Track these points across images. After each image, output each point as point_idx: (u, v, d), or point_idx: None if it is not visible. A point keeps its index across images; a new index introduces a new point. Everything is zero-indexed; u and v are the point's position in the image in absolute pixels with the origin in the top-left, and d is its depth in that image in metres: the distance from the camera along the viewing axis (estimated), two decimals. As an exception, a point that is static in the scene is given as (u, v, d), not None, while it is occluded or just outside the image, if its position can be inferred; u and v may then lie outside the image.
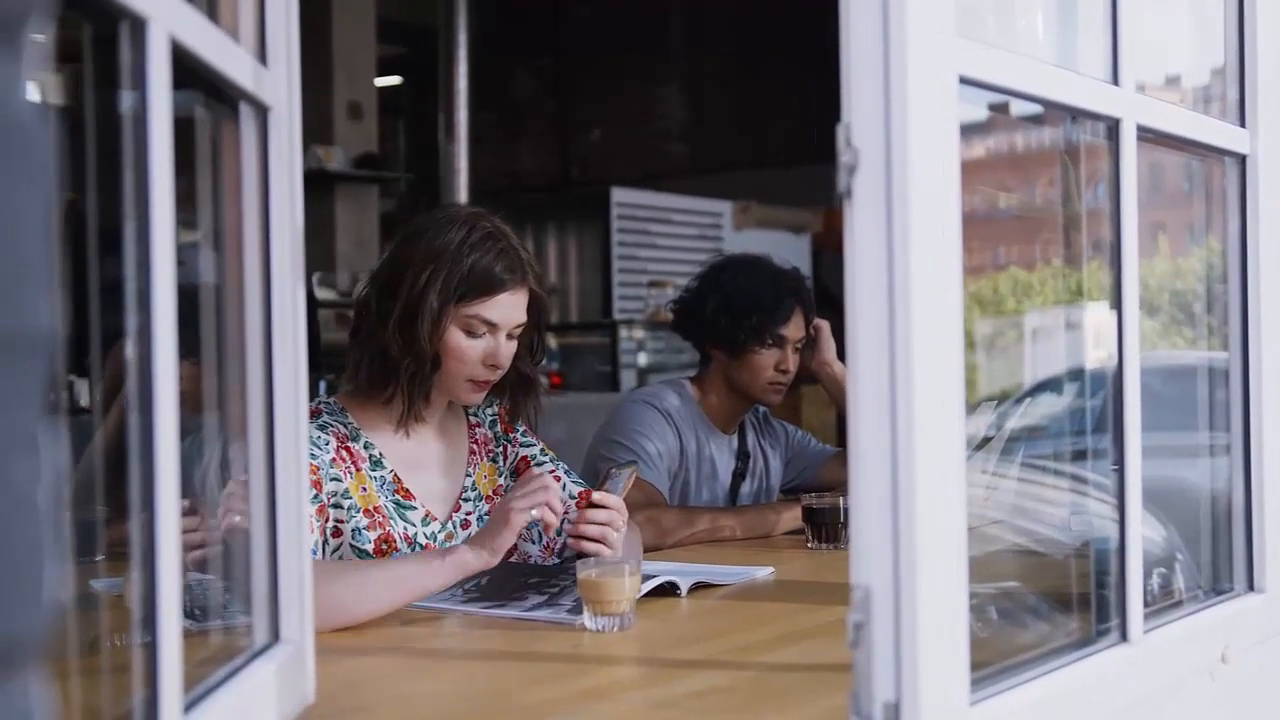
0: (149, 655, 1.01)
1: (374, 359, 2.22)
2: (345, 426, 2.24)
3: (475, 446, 2.40)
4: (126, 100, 1.02)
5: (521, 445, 2.45)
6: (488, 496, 2.38)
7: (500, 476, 2.41)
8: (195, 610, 1.36)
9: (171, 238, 1.03)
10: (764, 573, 2.37)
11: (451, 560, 1.99)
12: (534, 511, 2.00)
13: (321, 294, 6.82)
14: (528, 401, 2.39)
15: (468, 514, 2.34)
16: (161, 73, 1.02)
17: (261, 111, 1.35)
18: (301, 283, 1.41)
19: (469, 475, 2.37)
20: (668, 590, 2.12)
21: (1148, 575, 1.62)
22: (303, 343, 1.41)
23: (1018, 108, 1.55)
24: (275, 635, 1.37)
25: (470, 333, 2.21)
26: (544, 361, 2.45)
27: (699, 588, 2.19)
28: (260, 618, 1.36)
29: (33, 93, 0.54)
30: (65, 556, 0.58)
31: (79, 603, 1.26)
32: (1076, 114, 1.56)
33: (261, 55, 1.36)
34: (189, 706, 1.08)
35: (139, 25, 1.00)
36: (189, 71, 1.12)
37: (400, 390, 2.23)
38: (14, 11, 0.51)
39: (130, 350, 1.01)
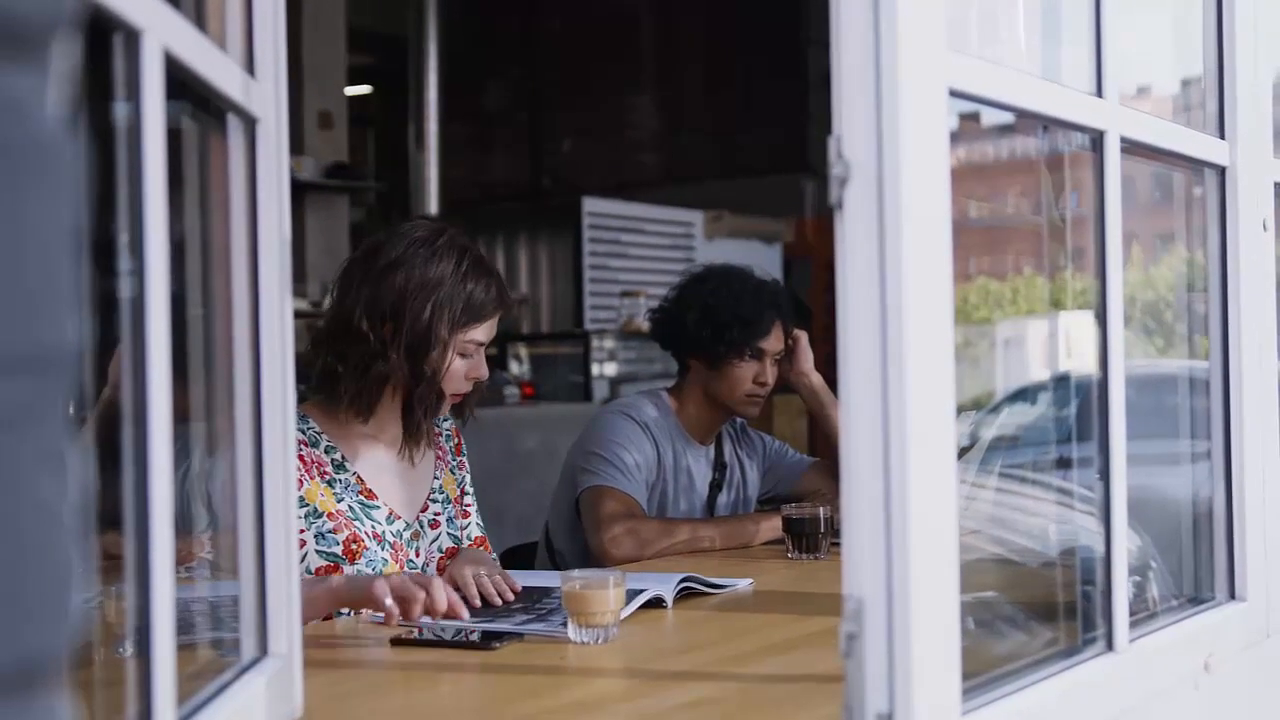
0: (142, 669, 1.00)
1: (375, 386, 2.28)
2: (304, 432, 2.26)
3: (440, 452, 2.48)
4: (119, 111, 1.01)
5: (466, 471, 2.54)
6: (454, 500, 2.47)
7: (457, 487, 2.50)
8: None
9: (165, 249, 1.03)
10: (744, 584, 2.38)
11: (325, 589, 2.05)
12: (389, 601, 1.92)
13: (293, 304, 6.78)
14: (474, 395, 2.44)
15: (436, 514, 2.42)
16: (155, 84, 1.02)
17: (250, 123, 1.35)
18: (289, 295, 1.40)
19: (436, 478, 2.45)
20: (652, 602, 2.12)
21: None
22: (290, 356, 1.41)
23: (988, 117, 1.56)
24: (263, 649, 1.36)
25: (464, 355, 2.32)
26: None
27: (686, 595, 2.20)
28: (248, 632, 1.35)
29: (57, 108, 0.53)
30: (88, 573, 0.58)
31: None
32: (1062, 126, 1.57)
33: (249, 67, 1.35)
34: (182, 722, 1.08)
35: (133, 37, 1.00)
36: (178, 82, 1.12)
37: (413, 416, 2.30)
38: (39, 28, 0.51)
39: (124, 362, 1.00)
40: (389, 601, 1.92)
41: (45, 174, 0.52)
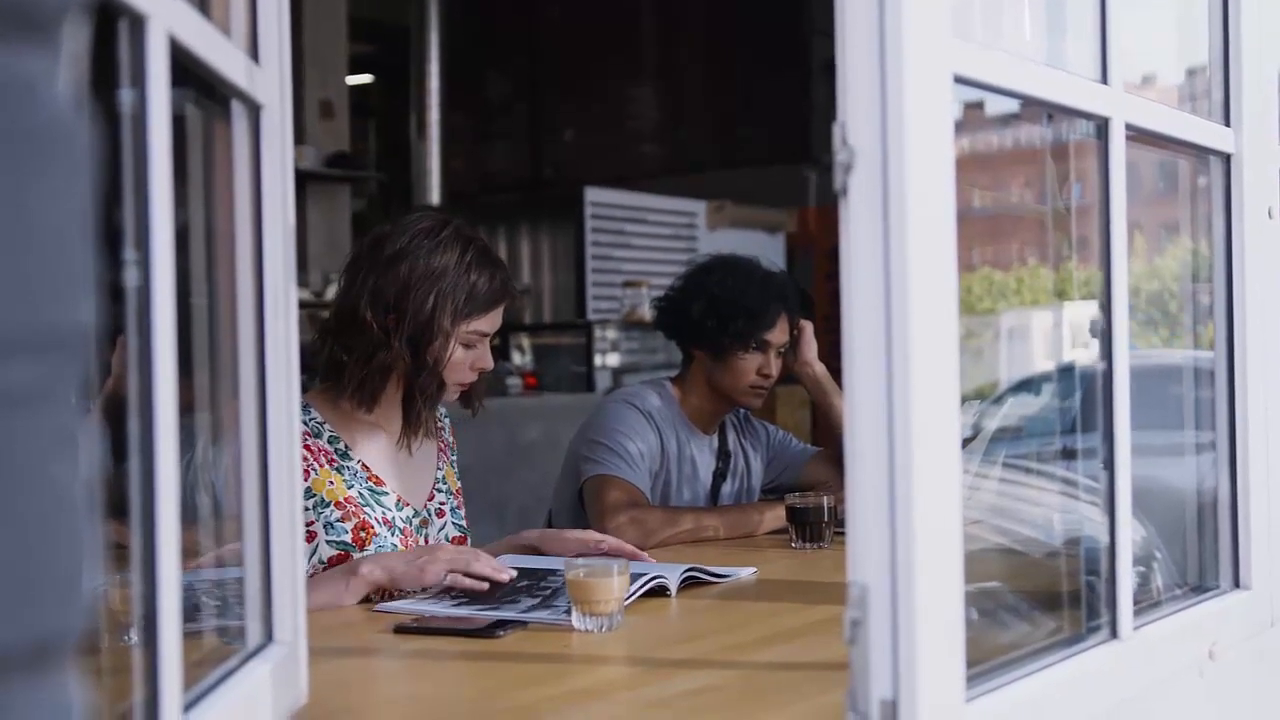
0: (149, 656, 1.00)
1: (378, 375, 2.29)
2: (306, 423, 2.27)
3: (441, 444, 2.50)
4: (125, 97, 1.01)
5: (456, 470, 2.56)
6: (455, 492, 2.49)
7: (458, 481, 2.52)
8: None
9: (170, 237, 1.02)
10: (747, 572, 2.38)
11: (355, 580, 2.10)
12: (448, 579, 2.10)
13: (294, 294, 6.76)
14: (481, 385, 2.45)
15: (440, 504, 2.45)
16: (160, 70, 1.01)
17: (254, 110, 1.34)
18: (294, 283, 1.40)
19: (439, 469, 2.47)
20: (656, 591, 2.12)
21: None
22: (294, 343, 1.41)
23: (992, 107, 1.56)
24: (269, 636, 1.37)
25: (468, 345, 2.32)
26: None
27: (689, 584, 2.20)
28: (254, 619, 1.35)
29: (69, 89, 0.53)
30: (100, 553, 0.58)
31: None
32: (1067, 113, 1.57)
33: (254, 53, 1.35)
34: (188, 707, 1.08)
35: (138, 22, 0.99)
36: (182, 69, 1.11)
37: (412, 406, 2.32)
38: (51, 9, 0.51)
39: (130, 350, 1.00)
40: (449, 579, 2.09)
41: (58, 155, 0.52)
